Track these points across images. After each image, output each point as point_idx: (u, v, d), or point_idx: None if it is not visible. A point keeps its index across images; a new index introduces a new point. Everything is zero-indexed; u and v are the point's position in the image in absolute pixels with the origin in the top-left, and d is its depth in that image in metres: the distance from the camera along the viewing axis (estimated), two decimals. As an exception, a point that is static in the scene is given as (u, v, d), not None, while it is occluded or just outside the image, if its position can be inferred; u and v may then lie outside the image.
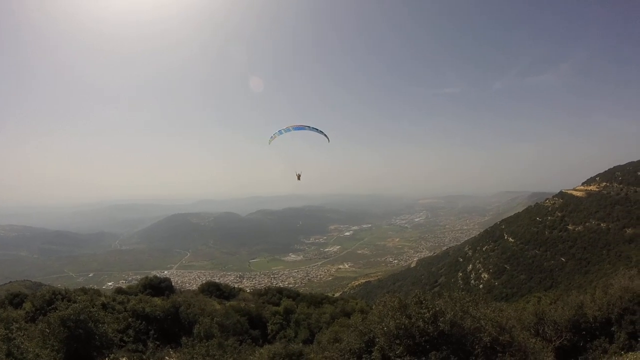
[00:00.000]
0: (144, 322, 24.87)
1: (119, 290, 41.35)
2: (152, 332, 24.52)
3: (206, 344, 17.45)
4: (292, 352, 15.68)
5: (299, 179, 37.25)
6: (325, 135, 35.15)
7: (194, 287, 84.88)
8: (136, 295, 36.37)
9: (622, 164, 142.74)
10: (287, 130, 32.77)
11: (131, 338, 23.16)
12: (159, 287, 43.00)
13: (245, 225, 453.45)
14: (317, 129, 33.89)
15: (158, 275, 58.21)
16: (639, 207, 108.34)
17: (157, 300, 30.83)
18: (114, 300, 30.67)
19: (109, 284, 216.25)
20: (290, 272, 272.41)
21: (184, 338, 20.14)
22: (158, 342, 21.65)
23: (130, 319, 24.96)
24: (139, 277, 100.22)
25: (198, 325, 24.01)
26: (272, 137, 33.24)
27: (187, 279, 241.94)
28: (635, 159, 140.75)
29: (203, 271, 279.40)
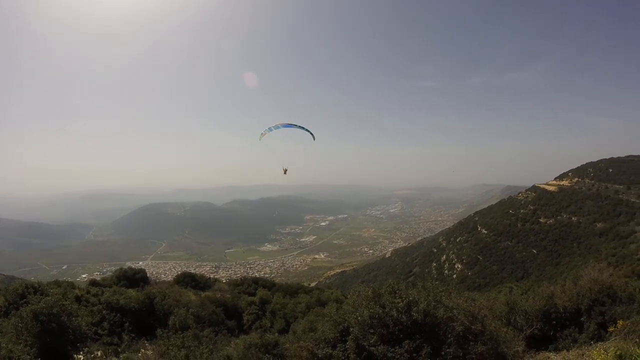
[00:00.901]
0: (118, 315, 24.67)
1: (93, 283, 40.77)
2: (127, 324, 24.35)
3: (181, 335, 17.44)
4: (268, 342, 15.74)
5: (285, 173, 38.63)
6: (311, 134, 36.35)
7: (170, 278, 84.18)
8: (110, 287, 35.95)
9: (594, 160, 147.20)
10: (277, 127, 34.00)
11: (106, 331, 22.93)
12: (133, 279, 42.62)
13: (221, 215, 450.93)
14: (304, 128, 35.29)
15: (133, 266, 57.91)
16: (610, 202, 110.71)
17: (131, 292, 30.59)
18: (88, 292, 30.24)
19: (83, 276, 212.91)
20: (266, 262, 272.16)
21: (159, 330, 20.10)
22: (133, 335, 21.54)
23: (104, 312, 24.72)
24: (113, 268, 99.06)
25: (173, 317, 23.97)
26: (262, 133, 34.21)
27: (163, 269, 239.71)
28: (607, 156, 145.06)
29: (178, 262, 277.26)
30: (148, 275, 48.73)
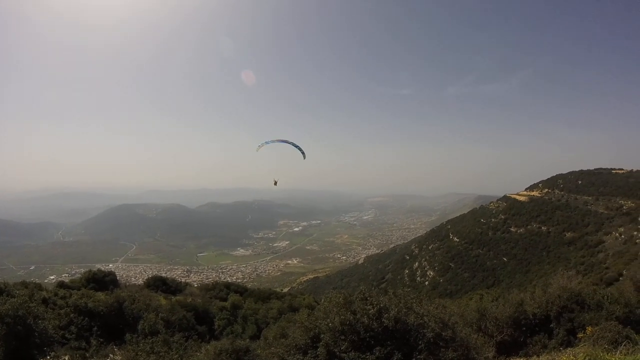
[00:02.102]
0: (86, 319, 24.14)
1: (61, 284, 39.94)
2: (95, 328, 23.83)
3: (151, 340, 17.17)
4: (239, 348, 15.61)
5: (275, 184, 40.60)
6: (302, 153, 37.01)
7: (140, 281, 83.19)
8: (79, 289, 35.31)
9: (564, 172, 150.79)
10: (273, 142, 35.80)
11: (73, 335, 22.33)
12: (102, 281, 41.84)
13: (194, 218, 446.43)
14: (297, 145, 36.33)
15: (102, 268, 56.75)
16: (578, 213, 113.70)
17: (100, 295, 30.10)
18: (55, 295, 29.63)
19: (51, 277, 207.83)
20: (239, 267, 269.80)
21: (128, 334, 19.75)
22: (101, 339, 21.01)
23: (72, 315, 24.14)
24: (82, 270, 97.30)
25: (142, 321, 23.54)
26: (259, 145, 36.05)
27: (133, 272, 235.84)
28: (576, 169, 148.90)
29: (149, 265, 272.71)
30: (118, 278, 48.09)
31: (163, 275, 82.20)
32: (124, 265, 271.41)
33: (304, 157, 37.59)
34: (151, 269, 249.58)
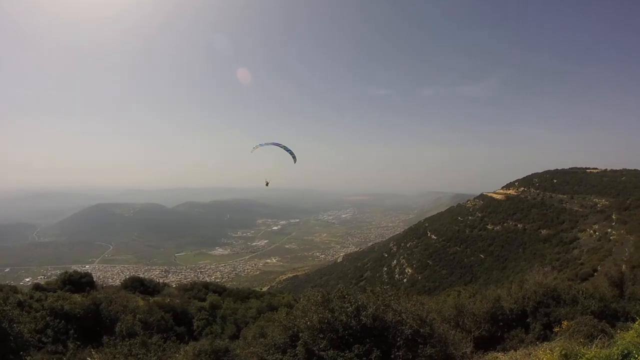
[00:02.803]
0: (63, 321, 23.79)
1: (37, 287, 39.19)
2: (72, 331, 23.49)
3: (128, 342, 17.00)
4: (218, 349, 15.52)
5: (267, 185, 42.19)
6: (293, 157, 37.71)
7: (117, 282, 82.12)
8: (55, 291, 34.80)
9: (539, 171, 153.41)
10: (267, 145, 36.97)
11: (50, 339, 21.95)
12: (79, 283, 41.20)
13: (172, 218, 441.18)
14: (288, 149, 37.10)
15: (79, 270, 56.00)
16: (554, 210, 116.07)
17: (77, 297, 29.64)
18: (31, 297, 29.07)
19: (27, 279, 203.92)
20: (217, 267, 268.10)
21: (105, 337, 19.52)
22: (79, 343, 20.64)
23: (48, 318, 23.75)
24: (58, 272, 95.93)
25: (120, 323, 23.32)
26: (254, 147, 36.91)
27: (110, 273, 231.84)
28: (552, 167, 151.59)
29: (127, 265, 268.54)
30: (95, 279, 47.29)
31: (140, 276, 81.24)
32: (100, 266, 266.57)
33: (295, 161, 38.06)
34: (128, 269, 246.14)
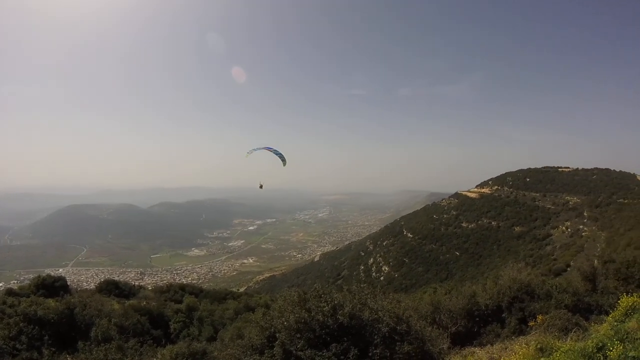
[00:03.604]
0: (37, 327, 23.35)
1: (10, 292, 38.32)
2: (46, 337, 23.05)
3: (104, 347, 16.82)
4: (196, 351, 15.44)
5: (261, 187, 42.31)
6: (283, 160, 38.45)
7: (92, 285, 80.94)
8: (28, 296, 34.09)
9: (513, 170, 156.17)
10: (260, 149, 37.64)
11: (24, 345, 21.47)
12: (53, 287, 40.34)
13: (147, 219, 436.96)
14: (278, 153, 37.93)
15: (52, 273, 55.04)
16: (527, 208, 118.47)
17: (50, 302, 29.09)
18: (4, 303, 28.41)
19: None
20: (194, 268, 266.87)
21: (80, 342, 19.25)
22: (54, 349, 20.39)
23: (22, 324, 23.30)
24: (31, 276, 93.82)
25: (95, 328, 22.98)
26: (249, 152, 37.45)
27: (84, 277, 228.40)
28: (524, 167, 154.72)
29: (101, 268, 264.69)
30: (69, 283, 46.44)
31: (115, 278, 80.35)
32: (74, 269, 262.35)
33: (284, 164, 38.69)
34: (103, 272, 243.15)
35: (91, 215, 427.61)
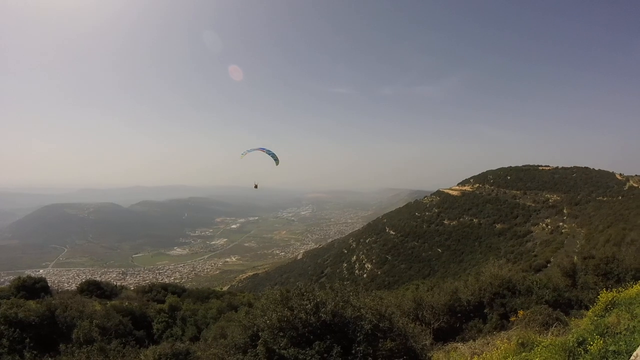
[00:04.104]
0: (18, 330, 23.02)
1: (-11, 295, 37.98)
2: (27, 340, 22.73)
3: (86, 349, 16.66)
4: (179, 352, 15.35)
5: (256, 187, 44.92)
6: (276, 159, 38.93)
7: (73, 286, 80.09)
8: (8, 298, 33.62)
9: (494, 168, 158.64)
10: (254, 150, 38.37)
11: (5, 349, 21.15)
12: (33, 289, 39.74)
13: (128, 218, 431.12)
14: (271, 153, 38.58)
15: (32, 274, 54.30)
16: (507, 206, 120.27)
17: (31, 304, 28.71)
18: (-16, 306, 28.15)
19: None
20: (176, 267, 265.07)
21: (62, 345, 19.03)
22: (35, 352, 20.12)
23: (2, 327, 22.96)
24: (11, 277, 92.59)
25: (77, 330, 22.73)
26: (244, 153, 38.13)
27: (65, 277, 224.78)
28: (505, 165, 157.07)
29: (82, 268, 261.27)
30: (49, 284, 45.94)
31: (97, 279, 79.51)
32: (55, 270, 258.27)
33: (277, 164, 39.16)
34: (84, 272, 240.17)
35: (71, 215, 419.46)
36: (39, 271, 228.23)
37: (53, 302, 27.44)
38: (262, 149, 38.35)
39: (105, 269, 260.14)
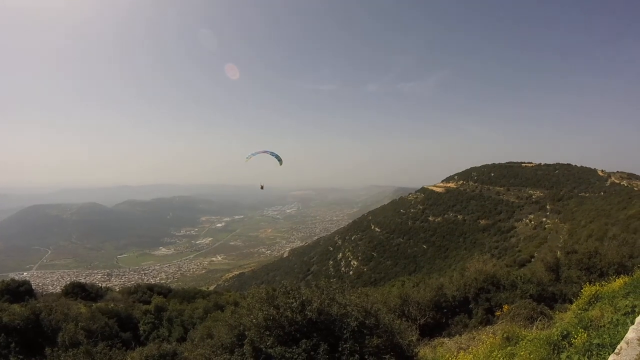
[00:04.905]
0: (2, 334, 22.75)
1: (-27, 299, 37.45)
2: (12, 344, 22.46)
3: (72, 353, 16.51)
4: (166, 353, 15.29)
5: (262, 188, 46.43)
6: (279, 160, 40.13)
7: (57, 289, 79.10)
8: (-7, 302, 33.20)
9: (477, 165, 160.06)
10: (258, 153, 38.86)
11: (-8, 354, 21.11)
12: (17, 292, 39.20)
13: (112, 217, 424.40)
14: (275, 154, 39.56)
15: (16, 277, 53.68)
16: (491, 202, 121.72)
17: (16, 308, 28.37)
18: (-32, 311, 27.73)
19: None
20: (162, 267, 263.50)
21: (47, 349, 18.84)
22: (21, 356, 19.91)
23: (-13, 332, 22.70)
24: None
25: (62, 333, 22.49)
26: (248, 157, 38.61)
27: (50, 280, 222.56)
28: (489, 162, 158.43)
29: (67, 270, 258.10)
30: (33, 287, 45.44)
31: (82, 280, 78.90)
32: (39, 272, 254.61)
33: (280, 164, 40.24)
34: (69, 274, 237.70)
35: (53, 216, 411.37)
36: (22, 274, 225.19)
37: (38, 305, 27.07)
38: (266, 151, 38.96)
39: (90, 271, 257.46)
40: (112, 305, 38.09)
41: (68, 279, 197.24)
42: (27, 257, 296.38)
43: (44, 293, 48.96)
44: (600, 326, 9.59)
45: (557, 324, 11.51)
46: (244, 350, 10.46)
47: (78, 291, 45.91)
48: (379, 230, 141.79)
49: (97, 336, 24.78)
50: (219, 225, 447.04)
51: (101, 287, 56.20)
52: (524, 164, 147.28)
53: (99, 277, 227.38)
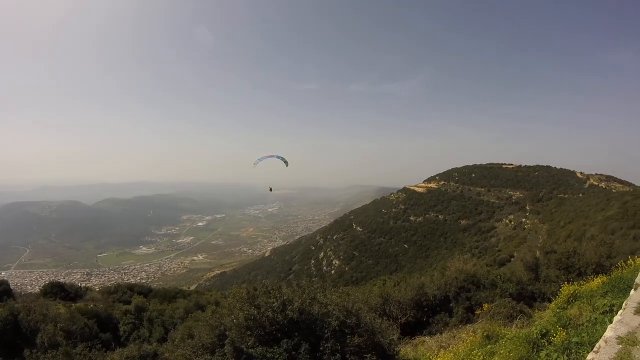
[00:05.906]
0: (-19, 336, 22.40)
1: (-51, 300, 36.81)
2: (-9, 346, 22.12)
3: (51, 354, 16.33)
4: (146, 354, 15.19)
5: (270, 190, 48.31)
6: (285, 162, 40.43)
7: (36, 289, 77.96)
8: (-31, 303, 32.65)
9: (459, 166, 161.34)
10: (265, 158, 39.38)
11: (-31, 356, 20.74)
12: (-5, 293, 39.00)
13: (92, 216, 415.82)
14: (281, 157, 40.06)
15: (-7, 277, 53.00)
16: (472, 202, 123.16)
17: (-7, 308, 28.00)
18: (-53, 313, 27.25)
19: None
20: (142, 266, 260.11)
21: (26, 350, 18.59)
22: (0, 358, 19.76)
23: (-34, 334, 22.34)
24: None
25: (41, 334, 22.21)
26: (255, 162, 39.15)
27: (28, 279, 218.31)
28: (470, 163, 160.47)
29: (46, 270, 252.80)
30: (12, 287, 44.88)
31: (61, 280, 77.81)
32: (17, 272, 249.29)
33: (287, 165, 40.46)
34: (48, 274, 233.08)
35: (33, 213, 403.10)
36: (0, 273, 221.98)
37: (16, 305, 26.67)
38: (273, 156, 39.38)
39: (69, 270, 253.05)
40: (91, 305, 37.71)
41: (47, 278, 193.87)
42: (5, 256, 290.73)
43: (23, 293, 48.40)
44: (579, 325, 9.71)
45: (537, 323, 11.65)
46: (225, 351, 10.42)
47: (57, 291, 45.46)
48: (360, 229, 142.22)
49: (76, 337, 24.49)
50: (200, 224, 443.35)
51: (80, 287, 55.72)
52: (504, 165, 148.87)
53: (79, 276, 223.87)
